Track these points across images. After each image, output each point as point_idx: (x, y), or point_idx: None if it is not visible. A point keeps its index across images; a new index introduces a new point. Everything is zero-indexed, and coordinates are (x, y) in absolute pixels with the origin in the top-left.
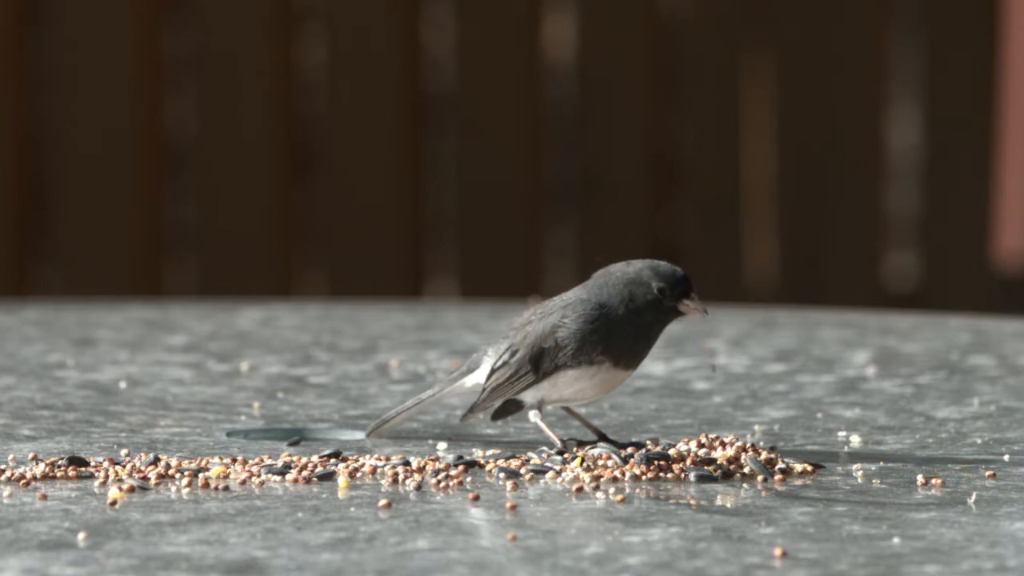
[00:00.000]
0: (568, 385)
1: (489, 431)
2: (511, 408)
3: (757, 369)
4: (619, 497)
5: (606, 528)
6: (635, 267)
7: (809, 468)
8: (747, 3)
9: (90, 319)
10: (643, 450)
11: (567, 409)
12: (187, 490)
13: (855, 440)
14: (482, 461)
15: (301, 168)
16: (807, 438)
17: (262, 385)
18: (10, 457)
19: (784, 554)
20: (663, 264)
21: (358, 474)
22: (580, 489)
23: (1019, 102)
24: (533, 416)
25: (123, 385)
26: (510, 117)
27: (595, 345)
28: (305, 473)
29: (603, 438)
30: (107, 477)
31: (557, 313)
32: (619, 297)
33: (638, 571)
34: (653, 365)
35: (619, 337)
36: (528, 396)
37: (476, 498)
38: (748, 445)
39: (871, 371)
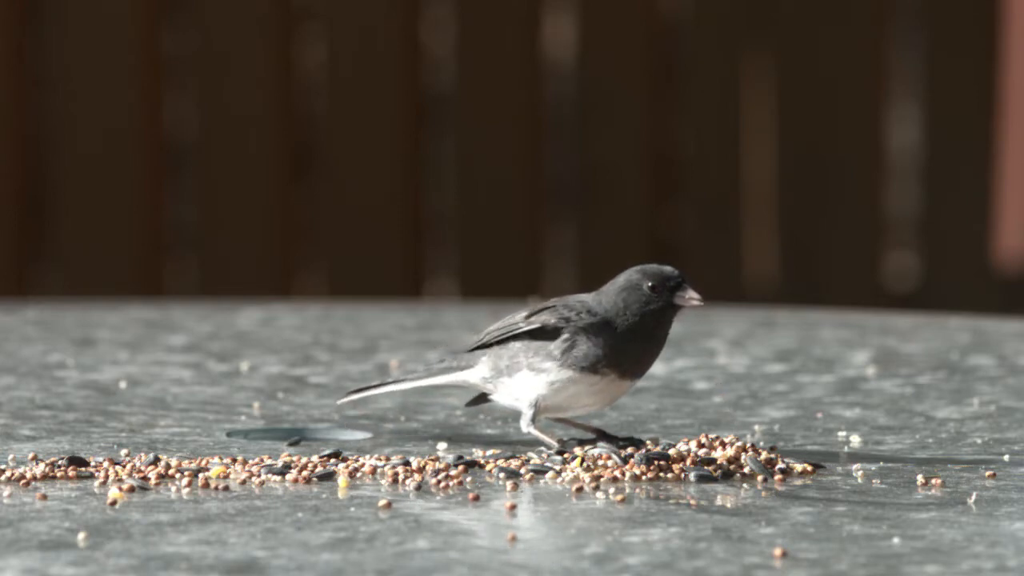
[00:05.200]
0: (566, 390)
1: (489, 431)
2: (481, 399)
3: (757, 369)
4: (619, 497)
5: (606, 528)
6: (624, 275)
7: (809, 468)
8: (747, 3)
9: (90, 319)
10: (643, 450)
11: (559, 419)
12: (187, 490)
13: (855, 440)
14: (482, 461)
15: (301, 168)
16: (807, 438)
17: (262, 385)
18: (10, 457)
19: (784, 554)
20: (650, 265)
21: (358, 474)
22: (580, 489)
23: (1019, 102)
24: (526, 426)
25: (123, 385)
26: (510, 117)
27: (599, 357)
28: (305, 473)
29: (602, 435)
30: (107, 477)
31: (568, 307)
32: (615, 308)
33: (638, 571)
34: (653, 365)
35: (622, 347)
36: (523, 396)
37: (476, 498)
38: (748, 445)
39: (871, 371)
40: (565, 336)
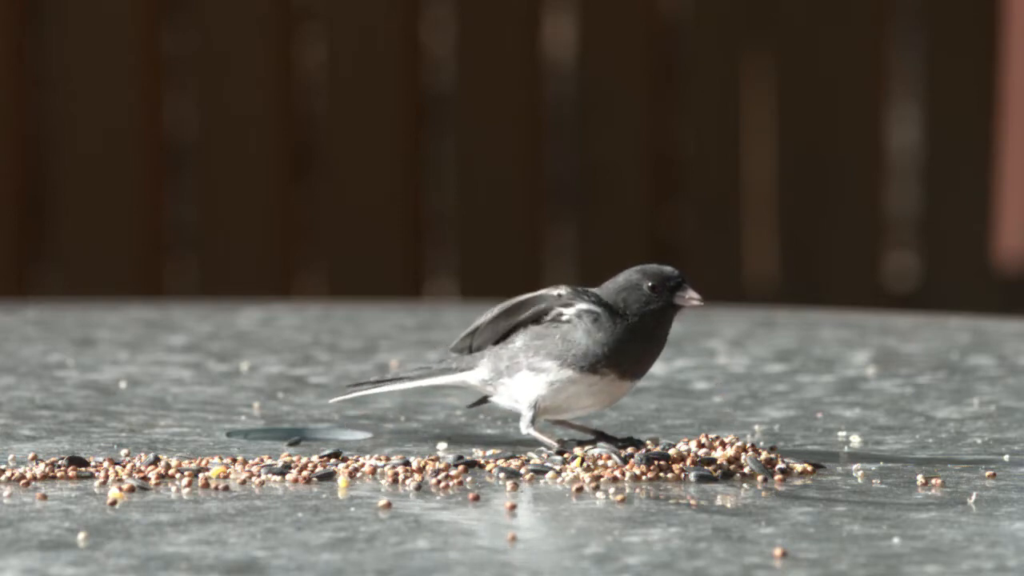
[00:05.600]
0: (566, 391)
1: (489, 431)
2: (483, 403)
3: (757, 369)
4: (619, 497)
5: (606, 528)
6: (623, 275)
7: (809, 468)
8: (747, 3)
9: (90, 319)
10: (643, 450)
11: (559, 421)
12: (187, 490)
13: (855, 440)
14: (482, 461)
15: (301, 168)
16: (807, 438)
17: (262, 385)
18: (10, 457)
19: (784, 554)
20: (650, 265)
21: (358, 474)
22: (580, 489)
23: (1019, 102)
24: (525, 427)
25: (123, 385)
26: (510, 117)
27: (599, 356)
28: (305, 473)
29: (601, 436)
30: (107, 477)
31: (575, 301)
32: (614, 308)
33: (638, 571)
34: (653, 365)
35: (622, 347)
36: (522, 397)
37: (476, 498)
38: (748, 445)
39: (871, 371)
40: (570, 316)
